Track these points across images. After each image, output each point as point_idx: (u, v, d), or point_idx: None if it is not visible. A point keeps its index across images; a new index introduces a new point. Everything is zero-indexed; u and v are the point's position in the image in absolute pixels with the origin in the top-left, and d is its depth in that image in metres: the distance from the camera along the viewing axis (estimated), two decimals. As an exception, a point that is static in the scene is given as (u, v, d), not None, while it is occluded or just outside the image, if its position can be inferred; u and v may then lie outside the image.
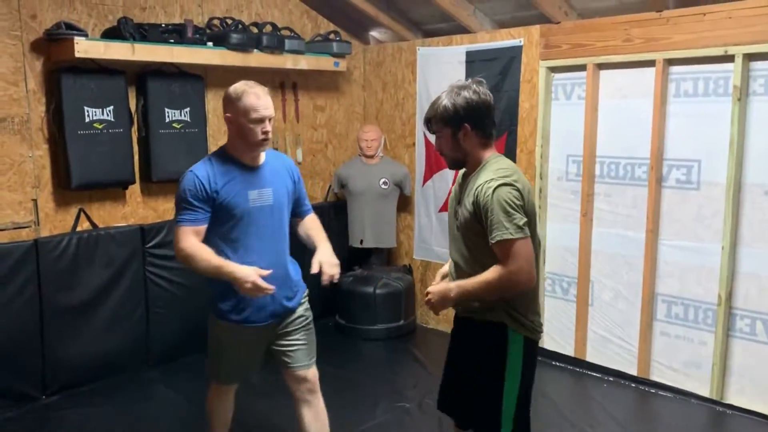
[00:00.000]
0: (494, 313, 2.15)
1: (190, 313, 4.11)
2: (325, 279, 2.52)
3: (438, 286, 2.25)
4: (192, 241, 2.39)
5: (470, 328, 2.25)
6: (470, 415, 2.30)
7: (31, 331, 3.56)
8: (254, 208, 2.48)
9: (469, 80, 2.23)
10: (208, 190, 2.42)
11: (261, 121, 2.41)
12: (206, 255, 2.39)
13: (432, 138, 4.76)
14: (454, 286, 2.17)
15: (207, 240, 2.46)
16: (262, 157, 2.56)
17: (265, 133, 2.43)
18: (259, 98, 2.42)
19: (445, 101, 2.17)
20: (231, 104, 2.45)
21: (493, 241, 2.05)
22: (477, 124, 2.16)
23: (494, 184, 2.07)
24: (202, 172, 2.45)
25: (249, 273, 2.31)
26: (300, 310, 2.65)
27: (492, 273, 2.07)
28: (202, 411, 2.82)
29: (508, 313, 2.14)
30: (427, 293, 2.23)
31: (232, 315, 2.52)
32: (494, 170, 2.13)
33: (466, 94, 2.15)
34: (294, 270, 2.65)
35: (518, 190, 2.08)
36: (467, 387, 2.29)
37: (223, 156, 2.51)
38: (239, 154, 2.49)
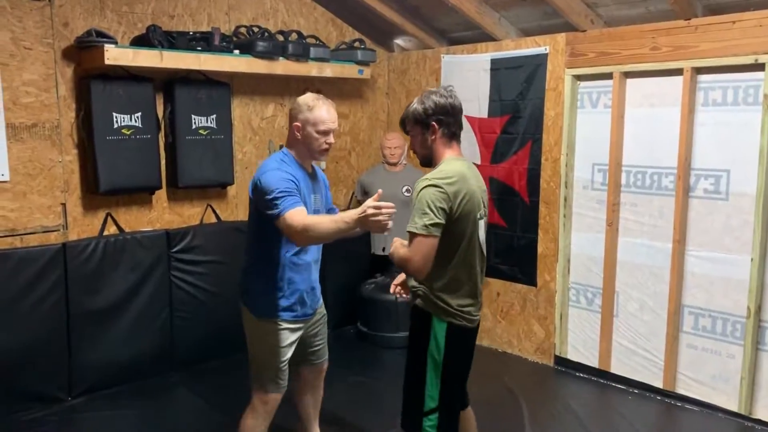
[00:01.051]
0: (423, 300, 2.41)
1: (215, 318, 4.15)
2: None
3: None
4: (304, 214, 2.45)
5: (411, 314, 2.52)
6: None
7: (58, 334, 3.62)
8: (314, 212, 2.66)
9: (441, 87, 2.49)
10: (295, 185, 2.54)
11: (327, 133, 2.60)
12: (325, 219, 2.48)
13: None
14: (397, 239, 2.46)
15: (270, 234, 2.55)
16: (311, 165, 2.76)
17: (328, 144, 2.62)
18: (328, 112, 2.60)
19: (416, 104, 2.44)
20: (301, 113, 2.61)
21: (406, 230, 2.31)
22: (442, 122, 2.40)
23: (425, 183, 2.31)
24: (288, 170, 2.57)
25: (374, 205, 2.34)
26: (322, 309, 2.91)
27: (403, 249, 2.35)
28: (225, 415, 2.83)
29: (433, 301, 2.39)
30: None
31: (287, 313, 2.66)
32: (438, 171, 2.37)
33: (434, 97, 2.41)
34: None
35: (445, 192, 2.28)
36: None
37: (290, 159, 2.65)
38: (301, 160, 2.66)
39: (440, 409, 2.42)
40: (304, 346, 2.84)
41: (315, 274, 2.77)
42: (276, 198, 2.44)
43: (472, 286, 2.45)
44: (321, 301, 2.89)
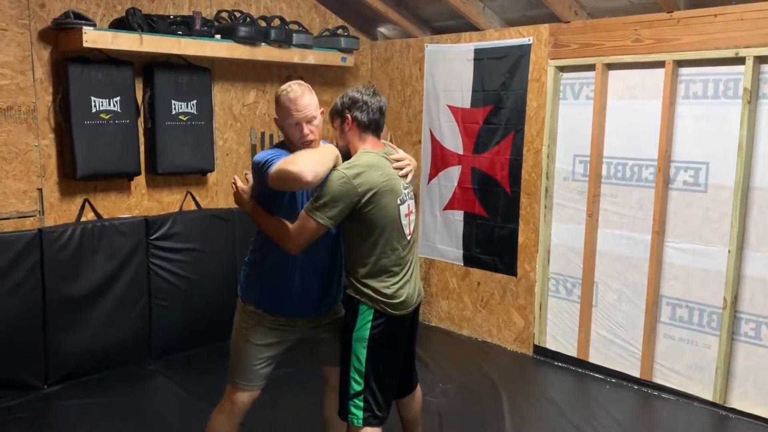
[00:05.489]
0: (352, 288, 2.49)
1: (193, 306, 4.12)
2: None
3: None
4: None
5: (344, 302, 2.61)
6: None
7: (33, 321, 3.56)
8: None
9: (366, 85, 2.62)
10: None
11: (297, 123, 2.37)
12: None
13: (438, 136, 4.76)
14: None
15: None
16: None
17: (304, 135, 2.38)
18: (293, 100, 2.36)
19: (337, 99, 2.57)
20: (276, 105, 2.44)
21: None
22: (356, 116, 2.49)
23: (335, 171, 2.36)
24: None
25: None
26: (335, 312, 2.67)
27: (285, 224, 2.38)
28: (203, 404, 2.80)
29: (360, 289, 2.46)
30: None
31: (264, 304, 2.51)
32: (350, 160, 2.43)
33: (351, 92, 2.54)
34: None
35: (348, 182, 2.33)
36: None
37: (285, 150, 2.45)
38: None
39: (365, 392, 2.45)
40: (318, 345, 2.66)
41: (320, 282, 2.54)
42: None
43: (399, 271, 2.49)
44: (336, 305, 2.66)
